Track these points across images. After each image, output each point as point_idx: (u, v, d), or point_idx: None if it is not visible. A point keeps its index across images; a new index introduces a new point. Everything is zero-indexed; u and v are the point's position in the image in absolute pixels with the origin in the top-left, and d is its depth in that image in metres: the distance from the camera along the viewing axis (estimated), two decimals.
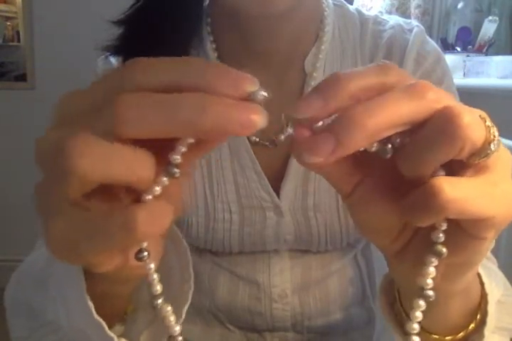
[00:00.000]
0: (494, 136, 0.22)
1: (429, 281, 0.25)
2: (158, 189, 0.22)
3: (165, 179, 0.22)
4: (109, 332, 0.28)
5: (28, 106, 2.11)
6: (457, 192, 0.21)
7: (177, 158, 0.21)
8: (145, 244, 0.23)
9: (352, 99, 0.22)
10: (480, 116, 0.22)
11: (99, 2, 1.81)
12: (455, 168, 0.23)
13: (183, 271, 0.34)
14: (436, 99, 0.22)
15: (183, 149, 0.21)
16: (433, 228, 0.24)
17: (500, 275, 0.43)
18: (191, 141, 0.21)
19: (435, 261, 0.24)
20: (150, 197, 0.22)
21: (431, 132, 0.22)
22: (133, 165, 0.20)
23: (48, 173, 0.21)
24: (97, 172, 0.20)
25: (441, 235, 0.24)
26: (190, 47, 0.52)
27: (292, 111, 0.23)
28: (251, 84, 0.21)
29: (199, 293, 0.58)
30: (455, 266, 0.26)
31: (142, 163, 0.21)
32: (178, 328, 0.24)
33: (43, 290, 0.36)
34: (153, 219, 0.21)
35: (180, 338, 0.24)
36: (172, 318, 0.24)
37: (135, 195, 0.22)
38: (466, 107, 0.22)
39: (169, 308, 0.24)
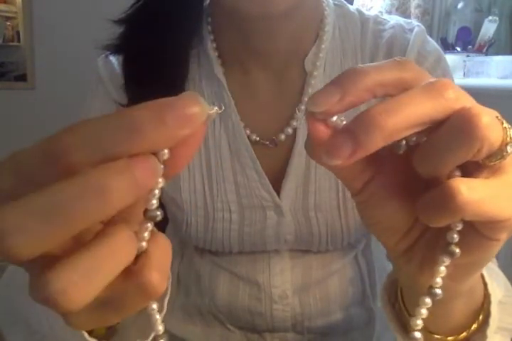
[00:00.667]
0: (511, 138, 0.22)
1: (439, 280, 0.25)
2: (144, 245, 0.20)
3: (149, 225, 0.20)
4: (89, 338, 0.28)
5: (28, 106, 2.11)
6: (474, 194, 0.21)
7: (153, 203, 0.20)
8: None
9: (369, 94, 0.22)
10: (497, 117, 0.22)
11: (99, 2, 1.81)
12: (470, 169, 0.23)
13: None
14: (456, 98, 0.22)
15: (154, 201, 0.20)
16: (445, 228, 0.24)
17: (501, 275, 0.43)
18: (161, 184, 0.20)
19: (447, 261, 0.24)
20: (144, 245, 0.20)
21: (449, 132, 0.21)
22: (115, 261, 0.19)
23: None
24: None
25: (455, 236, 0.24)
26: (191, 47, 0.52)
27: (309, 103, 0.22)
28: (196, 106, 0.19)
29: (199, 293, 0.58)
30: (464, 267, 0.26)
31: (121, 252, 0.19)
32: None
33: (27, 296, 0.36)
34: (161, 273, 0.20)
35: None
36: None
37: None
38: (485, 108, 0.22)
39: None
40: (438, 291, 0.25)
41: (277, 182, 0.51)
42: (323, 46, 0.51)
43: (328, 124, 0.22)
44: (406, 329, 0.34)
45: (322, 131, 0.22)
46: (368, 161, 0.25)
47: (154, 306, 0.22)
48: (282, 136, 0.50)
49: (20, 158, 0.19)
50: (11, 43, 2.15)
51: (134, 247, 0.19)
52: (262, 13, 0.42)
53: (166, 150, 0.19)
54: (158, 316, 0.22)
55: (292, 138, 0.50)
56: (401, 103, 0.21)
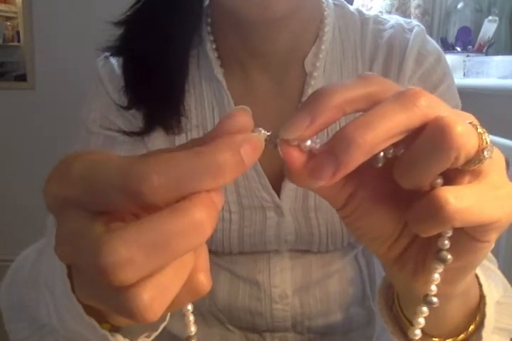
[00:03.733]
0: (487, 143, 0.22)
1: (434, 288, 0.25)
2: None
3: None
4: (101, 330, 0.28)
5: (28, 106, 2.11)
6: (462, 202, 0.21)
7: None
8: None
9: (339, 113, 0.22)
10: (471, 123, 0.22)
11: (100, 2, 1.81)
12: (451, 174, 0.23)
13: None
14: (428, 105, 0.22)
15: None
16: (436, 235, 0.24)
17: (499, 275, 0.43)
18: None
19: (440, 268, 0.24)
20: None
21: (425, 144, 0.22)
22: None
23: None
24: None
25: (446, 242, 0.24)
26: (190, 48, 0.52)
27: (281, 131, 0.22)
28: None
29: None
30: (456, 270, 0.26)
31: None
32: None
33: (34, 290, 0.36)
34: (156, 302, 0.20)
35: None
36: None
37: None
38: (457, 115, 0.22)
39: None
40: (434, 299, 0.25)
41: (277, 183, 0.51)
42: (323, 47, 0.50)
43: (301, 149, 0.23)
44: (403, 331, 0.34)
45: (296, 157, 0.23)
46: (348, 177, 0.25)
47: (189, 307, 0.23)
48: None
49: (97, 175, 0.20)
50: (11, 43, 2.14)
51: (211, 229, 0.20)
52: (260, 16, 0.42)
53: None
54: (191, 318, 0.23)
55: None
56: (375, 116, 0.21)
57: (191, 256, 0.21)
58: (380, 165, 0.23)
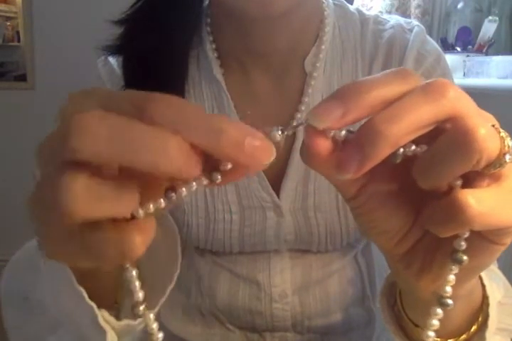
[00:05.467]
0: (509, 147, 0.22)
1: (449, 289, 0.24)
2: (151, 207, 0.22)
3: (162, 202, 0.22)
4: (89, 301, 0.29)
5: (28, 106, 2.11)
6: (483, 206, 0.21)
7: (183, 190, 0.22)
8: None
9: (372, 111, 0.22)
10: (494, 126, 0.22)
11: (100, 2, 1.81)
12: (471, 177, 0.23)
13: (170, 252, 0.34)
14: (457, 97, 0.21)
15: (194, 187, 0.22)
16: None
17: (500, 276, 0.43)
18: (205, 182, 0.21)
19: (455, 269, 0.24)
20: (141, 213, 0.21)
21: (447, 146, 0.21)
22: (114, 202, 0.20)
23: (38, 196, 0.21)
24: (81, 211, 0.19)
25: (463, 243, 0.24)
26: (190, 48, 0.52)
27: (310, 117, 0.22)
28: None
29: (199, 293, 0.58)
30: (466, 271, 0.26)
31: (124, 198, 0.20)
32: (160, 335, 0.24)
33: (32, 272, 0.36)
34: (144, 240, 0.21)
35: None
36: (154, 326, 0.24)
37: None
38: (482, 115, 0.22)
39: (151, 316, 0.24)
40: (449, 301, 0.24)
41: (277, 183, 0.51)
42: (323, 47, 0.50)
43: (326, 136, 0.22)
44: (405, 331, 0.34)
45: (321, 144, 0.22)
46: None
47: (134, 273, 0.23)
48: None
49: (112, 99, 0.21)
50: (11, 43, 2.14)
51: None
52: (261, 13, 0.42)
53: (229, 165, 0.21)
54: (137, 283, 0.23)
55: (292, 138, 0.50)
56: (402, 108, 0.21)
57: (134, 202, 0.21)
58: (398, 161, 0.23)
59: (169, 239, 0.35)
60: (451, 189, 0.22)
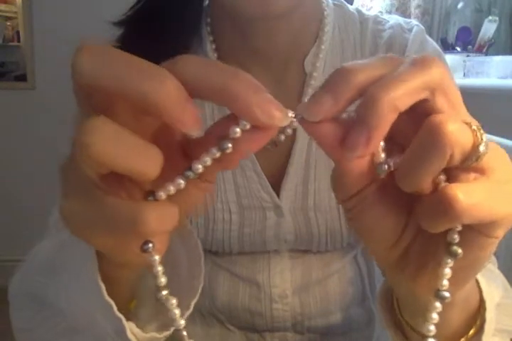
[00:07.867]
0: (482, 139, 0.22)
1: (445, 282, 0.24)
2: (172, 188, 0.22)
3: (181, 181, 0.22)
4: (117, 312, 0.29)
5: (28, 106, 2.11)
6: (471, 199, 0.21)
7: (198, 167, 0.22)
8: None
9: (360, 92, 0.22)
10: (464, 121, 0.22)
11: (99, 3, 1.81)
12: (454, 173, 0.23)
13: (192, 266, 0.35)
14: (441, 67, 0.22)
15: (208, 161, 0.22)
16: (439, 233, 0.24)
17: (499, 276, 0.43)
18: (217, 154, 0.22)
19: (451, 262, 0.24)
20: (162, 194, 0.22)
21: (419, 146, 0.22)
22: (139, 155, 0.21)
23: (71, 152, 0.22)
24: (106, 154, 0.20)
25: (456, 236, 0.24)
26: (190, 48, 0.52)
27: (304, 112, 0.22)
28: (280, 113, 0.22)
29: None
30: (463, 269, 0.26)
31: (149, 154, 0.21)
32: (182, 322, 0.24)
33: (46, 275, 0.36)
34: (159, 219, 0.21)
35: (184, 333, 0.24)
36: (177, 311, 0.24)
37: (148, 192, 0.23)
38: (449, 112, 0.23)
39: (174, 301, 0.24)
40: (446, 294, 0.24)
41: (277, 183, 0.51)
42: (322, 47, 0.51)
43: (324, 123, 0.23)
44: (404, 334, 0.34)
45: (323, 133, 0.23)
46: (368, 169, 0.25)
47: (156, 257, 0.23)
48: (282, 137, 0.50)
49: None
50: (11, 43, 2.14)
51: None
52: (260, 13, 0.42)
53: (247, 125, 0.22)
54: (160, 268, 0.23)
55: (292, 138, 0.50)
56: (394, 77, 0.22)
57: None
58: (383, 176, 0.24)
59: (192, 254, 0.36)
60: (437, 185, 0.23)
